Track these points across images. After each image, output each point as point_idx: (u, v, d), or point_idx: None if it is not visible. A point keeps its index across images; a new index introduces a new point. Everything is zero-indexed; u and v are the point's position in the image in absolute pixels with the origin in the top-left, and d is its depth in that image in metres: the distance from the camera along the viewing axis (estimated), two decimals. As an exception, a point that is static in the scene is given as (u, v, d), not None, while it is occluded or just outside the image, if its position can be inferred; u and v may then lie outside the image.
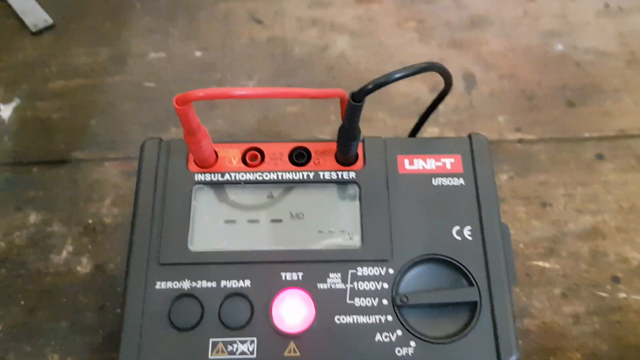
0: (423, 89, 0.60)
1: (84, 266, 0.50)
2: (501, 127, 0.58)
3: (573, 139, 0.57)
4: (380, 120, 0.58)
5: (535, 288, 0.49)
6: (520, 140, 0.57)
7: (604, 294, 0.49)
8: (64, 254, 0.51)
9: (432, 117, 0.45)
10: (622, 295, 0.48)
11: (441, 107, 0.60)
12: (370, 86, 0.33)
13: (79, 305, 0.48)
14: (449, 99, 0.59)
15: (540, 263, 0.50)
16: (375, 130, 0.57)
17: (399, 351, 0.35)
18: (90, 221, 0.52)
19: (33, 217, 0.52)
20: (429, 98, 0.59)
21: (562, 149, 0.56)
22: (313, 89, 0.35)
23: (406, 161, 0.40)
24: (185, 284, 0.36)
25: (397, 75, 0.33)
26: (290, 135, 0.58)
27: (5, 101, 0.59)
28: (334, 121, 0.59)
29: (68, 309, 0.48)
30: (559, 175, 0.55)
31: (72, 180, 0.54)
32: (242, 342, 0.35)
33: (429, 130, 0.57)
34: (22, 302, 0.48)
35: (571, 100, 0.59)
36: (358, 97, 0.34)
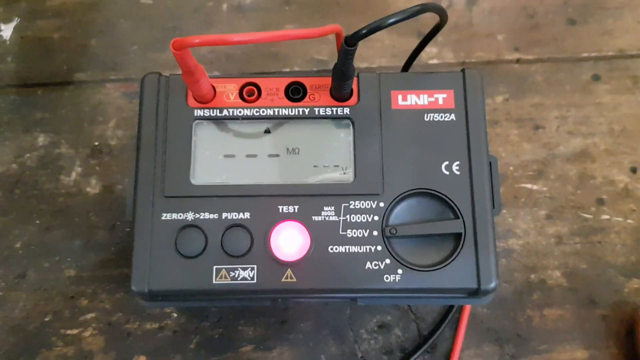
0: (423, 5, 0.60)
1: (93, 187, 0.53)
2: (500, 47, 0.58)
3: (570, 59, 0.57)
4: (377, 40, 0.58)
5: (522, 210, 0.51)
6: (518, 60, 0.57)
7: (587, 216, 0.51)
8: (74, 175, 0.53)
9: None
10: (606, 217, 0.51)
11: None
12: (364, 31, 0.34)
13: (91, 224, 0.51)
14: (449, 16, 0.59)
15: (529, 185, 0.52)
16: (372, 52, 0.58)
17: (387, 278, 0.38)
18: (96, 143, 0.54)
19: (41, 139, 0.54)
20: (429, 15, 0.59)
21: (559, 69, 0.57)
22: (308, 29, 0.36)
23: (399, 97, 0.41)
24: (189, 216, 0.39)
25: (391, 20, 0.33)
26: (288, 55, 0.58)
27: (6, 20, 0.59)
28: (332, 41, 0.58)
29: (81, 227, 0.51)
30: (553, 96, 0.55)
31: (76, 102, 0.56)
32: (243, 269, 0.38)
33: (427, 50, 0.58)
34: (37, 222, 0.51)
35: (572, 18, 0.59)
36: (352, 42, 0.34)
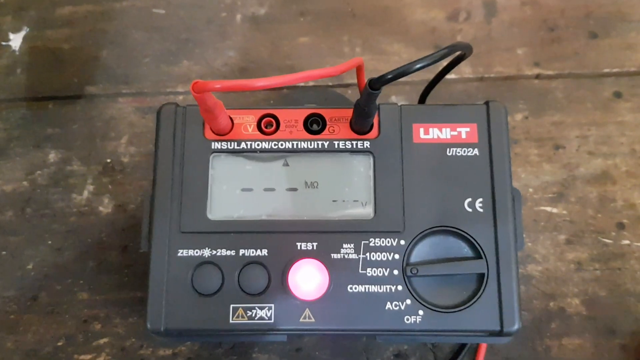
0: (440, 16, 0.58)
1: (106, 206, 0.52)
2: (519, 61, 0.56)
3: (592, 75, 0.56)
4: (394, 54, 0.57)
5: (541, 234, 0.50)
6: (537, 76, 0.56)
7: (608, 241, 0.50)
8: (86, 193, 0.52)
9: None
10: (626, 242, 0.50)
11: (459, 37, 0.59)
12: (389, 76, 0.32)
13: (104, 245, 0.51)
14: (467, 29, 0.58)
15: (548, 208, 0.51)
16: (389, 65, 0.56)
17: (407, 319, 0.37)
18: (108, 160, 0.53)
19: (52, 156, 0.54)
20: (447, 28, 0.58)
21: (580, 85, 0.55)
22: (330, 67, 0.35)
23: (421, 130, 0.40)
24: (206, 252, 0.38)
25: (418, 66, 0.32)
26: (304, 69, 0.57)
27: (15, 30, 0.58)
28: (348, 54, 0.57)
29: (93, 248, 0.51)
30: (574, 115, 0.54)
31: (87, 117, 0.55)
32: (261, 308, 0.38)
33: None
34: (49, 242, 0.51)
35: (594, 32, 0.57)
36: (376, 86, 0.33)
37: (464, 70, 0.56)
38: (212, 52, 0.57)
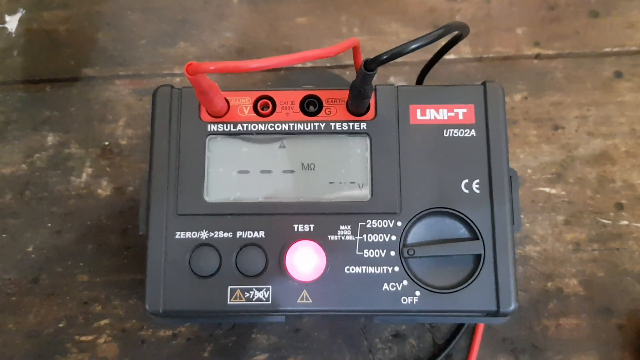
0: (440, -5, 0.58)
1: (104, 189, 0.52)
2: (519, 41, 0.56)
3: (592, 55, 0.55)
4: (392, 33, 0.56)
5: (540, 215, 0.50)
6: (537, 56, 0.55)
7: (606, 221, 0.50)
8: (84, 176, 0.52)
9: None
10: (624, 222, 0.50)
11: (458, 17, 0.58)
12: (384, 56, 0.32)
13: (103, 227, 0.51)
14: (466, 8, 0.57)
15: (547, 189, 0.51)
16: (387, 46, 0.56)
17: (404, 300, 0.38)
18: (106, 143, 0.53)
19: (51, 138, 0.53)
20: (446, 7, 0.58)
21: (580, 65, 0.55)
22: (325, 48, 0.34)
23: (418, 111, 0.40)
24: (203, 234, 0.38)
25: (414, 46, 0.32)
26: (301, 50, 0.56)
27: (10, 12, 0.58)
28: (346, 34, 0.57)
29: (92, 231, 0.51)
30: (573, 95, 0.54)
31: (85, 99, 0.55)
32: (258, 290, 0.38)
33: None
34: (49, 225, 0.51)
35: (595, 10, 0.57)
36: (371, 67, 0.33)
37: (463, 50, 0.56)
38: (209, 33, 0.56)
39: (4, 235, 0.51)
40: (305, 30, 0.57)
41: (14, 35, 0.57)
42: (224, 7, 0.57)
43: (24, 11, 0.58)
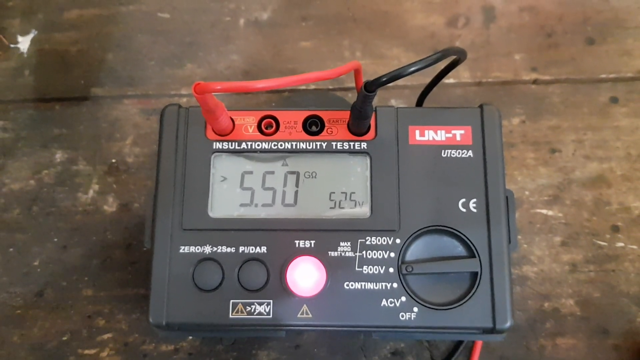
0: (439, 22, 0.59)
1: (110, 205, 0.53)
2: (517, 66, 0.57)
3: (589, 80, 0.56)
4: (394, 57, 0.58)
5: (537, 235, 0.51)
6: (535, 81, 0.57)
7: (602, 243, 0.51)
8: (91, 192, 0.54)
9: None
10: (620, 244, 0.51)
11: (457, 42, 0.60)
12: (384, 78, 0.34)
13: (108, 242, 0.52)
14: (465, 34, 0.59)
15: (544, 211, 0.52)
16: (388, 69, 0.56)
17: (402, 316, 0.38)
18: (113, 160, 0.55)
19: (59, 156, 0.55)
20: (446, 33, 0.59)
21: (577, 91, 0.56)
22: (328, 70, 0.36)
23: (417, 132, 0.41)
24: (207, 249, 0.39)
25: (412, 69, 0.33)
26: (304, 72, 0.58)
27: (23, 32, 0.60)
28: (348, 58, 0.59)
29: (98, 246, 0.52)
30: (570, 119, 0.55)
31: (93, 117, 0.56)
32: (260, 304, 0.39)
33: (444, 70, 0.57)
34: (55, 239, 0.52)
35: (591, 37, 0.58)
36: (371, 88, 0.34)
37: (462, 74, 0.57)
38: (216, 55, 0.58)
39: (11, 249, 0.52)
40: (308, 54, 0.58)
41: (26, 55, 0.59)
42: (230, 30, 0.59)
43: (36, 32, 0.60)
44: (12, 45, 0.59)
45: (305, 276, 0.39)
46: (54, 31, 0.59)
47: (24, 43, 0.59)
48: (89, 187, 0.54)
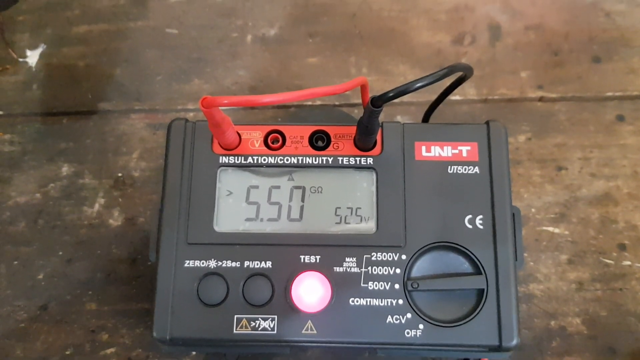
0: (446, 39, 0.60)
1: (116, 219, 0.53)
2: (523, 84, 0.58)
3: (595, 98, 0.57)
4: (400, 74, 0.58)
5: (543, 253, 0.51)
6: (541, 99, 0.57)
7: (609, 261, 0.51)
8: (97, 206, 0.54)
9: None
10: (627, 263, 0.51)
11: (464, 60, 0.60)
12: (391, 94, 0.34)
13: (113, 257, 0.52)
14: (472, 52, 0.59)
15: (550, 228, 0.52)
16: (394, 86, 0.57)
17: (408, 333, 0.38)
18: (119, 174, 0.55)
19: (65, 169, 0.55)
20: (452, 50, 0.59)
21: (583, 108, 0.56)
22: (334, 85, 0.36)
23: (423, 148, 0.41)
24: (212, 264, 0.39)
25: (419, 84, 0.33)
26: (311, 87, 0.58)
27: (32, 47, 0.60)
28: (354, 74, 0.59)
29: (103, 260, 0.52)
30: (577, 137, 0.55)
31: (100, 132, 0.56)
32: (264, 319, 0.39)
33: (450, 87, 0.57)
34: (60, 253, 0.52)
35: (597, 56, 0.58)
36: (378, 103, 0.34)
37: (469, 91, 0.57)
38: (223, 71, 0.58)
39: (16, 262, 0.52)
40: (315, 70, 0.59)
41: (34, 70, 0.59)
42: (238, 46, 0.59)
43: (45, 46, 0.60)
44: (20, 60, 0.59)
45: (310, 292, 0.39)
46: (63, 46, 0.60)
47: (32, 57, 0.60)
48: (95, 201, 0.54)
